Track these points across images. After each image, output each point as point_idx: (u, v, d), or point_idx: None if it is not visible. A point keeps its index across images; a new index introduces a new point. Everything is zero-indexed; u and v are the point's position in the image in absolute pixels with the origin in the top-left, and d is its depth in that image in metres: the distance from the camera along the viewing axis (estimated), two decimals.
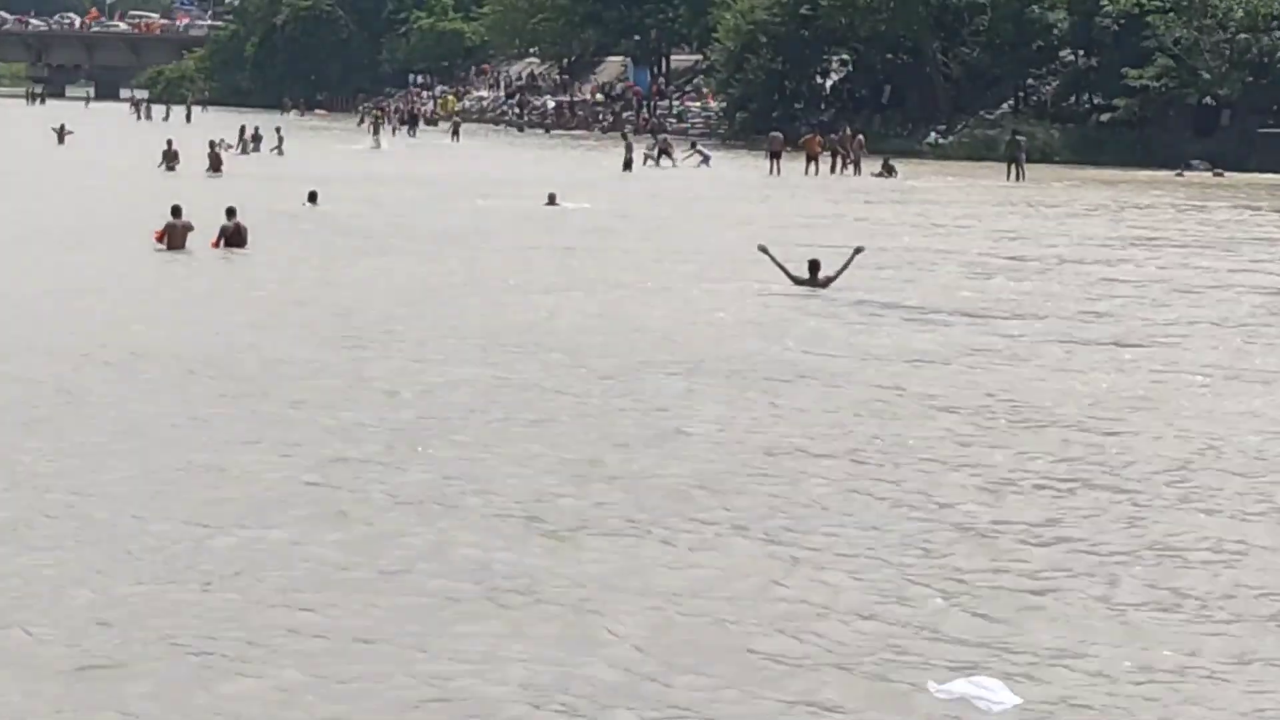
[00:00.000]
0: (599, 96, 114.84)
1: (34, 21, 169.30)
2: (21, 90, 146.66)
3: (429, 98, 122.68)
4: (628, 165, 65.33)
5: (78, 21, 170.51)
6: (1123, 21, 75.35)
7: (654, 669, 10.80)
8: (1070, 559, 13.64)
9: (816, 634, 11.39)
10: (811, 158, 68.18)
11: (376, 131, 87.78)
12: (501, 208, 47.81)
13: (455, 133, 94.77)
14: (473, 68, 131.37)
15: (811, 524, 14.16)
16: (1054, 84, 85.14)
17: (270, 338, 24.06)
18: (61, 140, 71.10)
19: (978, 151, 76.65)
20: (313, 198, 44.93)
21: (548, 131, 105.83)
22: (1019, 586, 12.64)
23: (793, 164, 67.83)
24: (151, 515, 14.50)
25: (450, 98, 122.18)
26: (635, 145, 70.32)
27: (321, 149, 76.18)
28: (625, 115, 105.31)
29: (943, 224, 45.51)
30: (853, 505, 14.85)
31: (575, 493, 15.35)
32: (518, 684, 10.27)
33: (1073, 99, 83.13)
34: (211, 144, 59.67)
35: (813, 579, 12.81)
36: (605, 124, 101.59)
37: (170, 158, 57.39)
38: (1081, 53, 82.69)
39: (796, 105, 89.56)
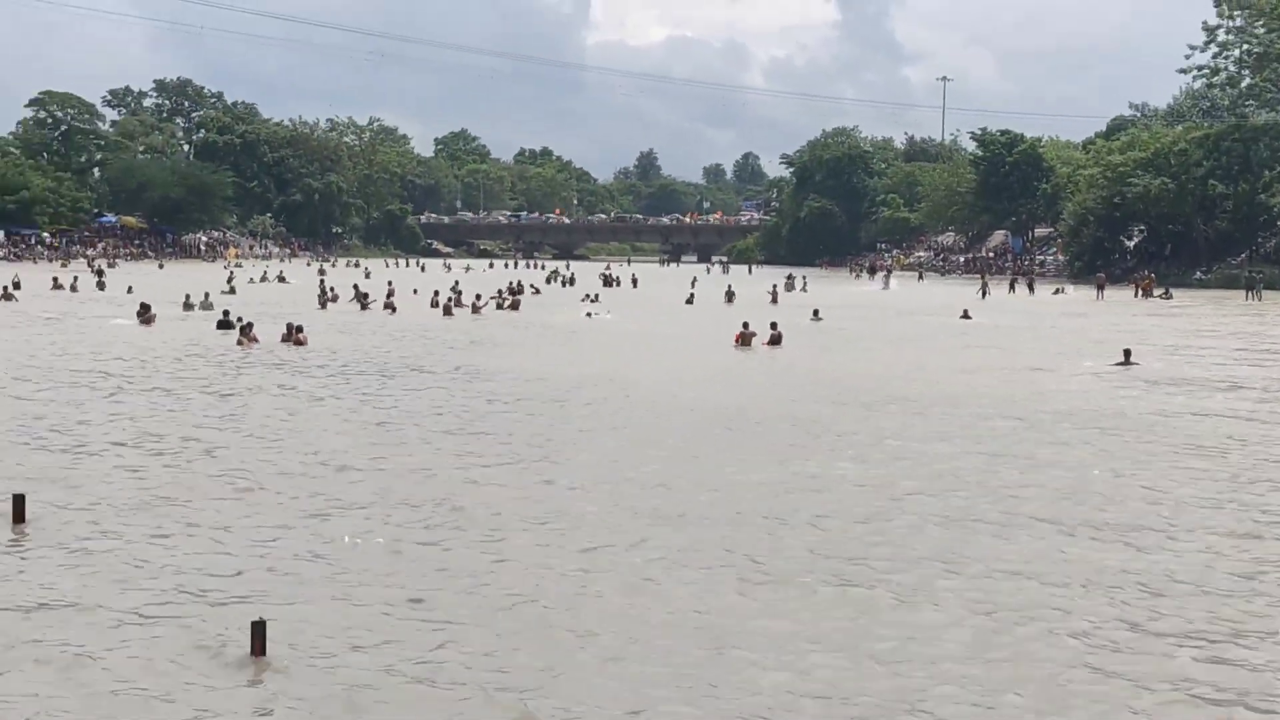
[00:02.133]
0: (990, 254, 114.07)
1: (663, 219, 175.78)
2: (655, 259, 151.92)
3: (888, 258, 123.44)
4: (983, 294, 65.67)
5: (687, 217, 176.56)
6: None
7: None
8: None
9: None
10: (1141, 288, 68.76)
11: (888, 278, 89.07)
12: (935, 321, 47.65)
13: (920, 277, 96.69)
14: (903, 242, 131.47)
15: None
16: (1274, 241, 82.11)
17: (799, 401, 24.01)
18: (692, 286, 72.47)
19: (1226, 284, 74.55)
20: (816, 314, 45.66)
21: (959, 276, 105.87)
22: None
23: (1111, 293, 67.34)
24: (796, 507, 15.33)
25: (900, 256, 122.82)
26: (989, 282, 72.27)
27: (830, 288, 76.81)
28: (1005, 266, 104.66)
29: (1204, 329, 44.37)
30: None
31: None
32: None
33: None
34: (774, 286, 61.74)
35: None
36: (992, 271, 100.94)
37: (730, 296, 59.20)
38: None
39: (1112, 257, 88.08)
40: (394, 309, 46.94)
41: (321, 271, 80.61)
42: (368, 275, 78.78)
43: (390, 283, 60.35)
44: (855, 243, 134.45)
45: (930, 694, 8.39)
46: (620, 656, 9.06)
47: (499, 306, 49.40)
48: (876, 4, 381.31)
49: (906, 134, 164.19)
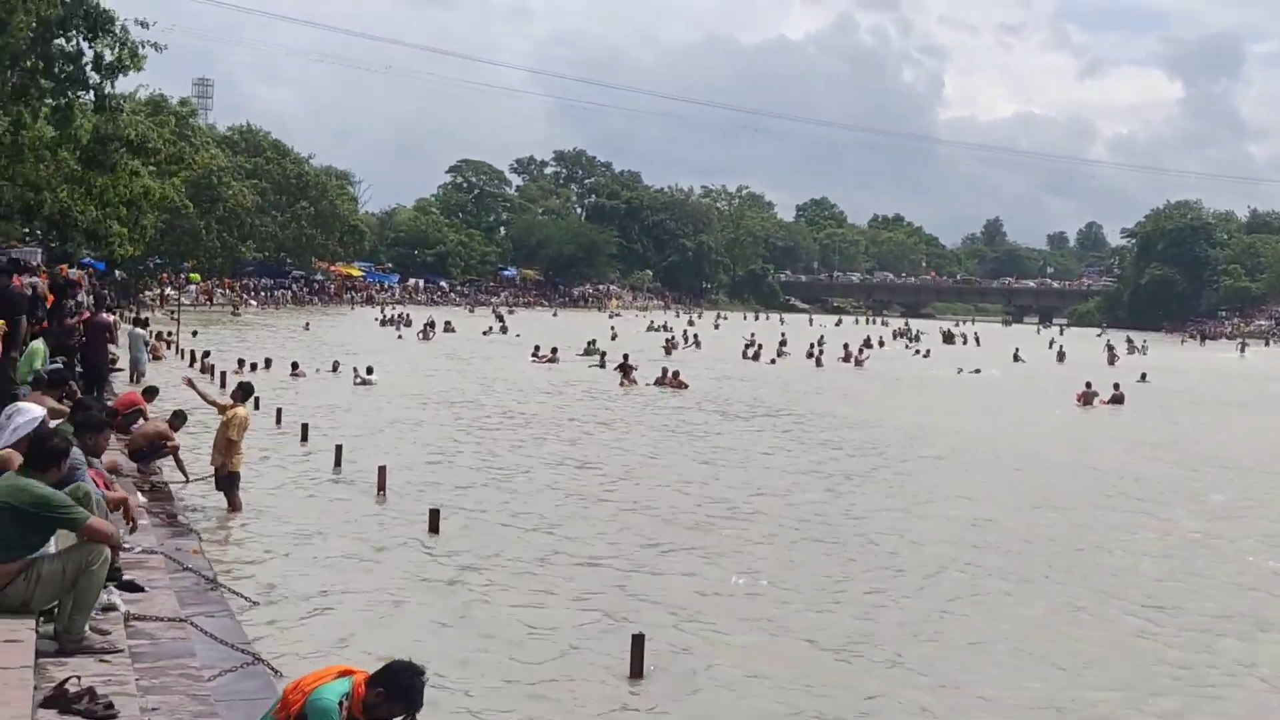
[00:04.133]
0: None
1: (1007, 280, 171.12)
2: (998, 319, 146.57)
3: (1229, 325, 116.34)
4: None
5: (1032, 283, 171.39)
6: None
7: None
8: None
9: None
10: None
11: (1244, 346, 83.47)
12: (1275, 388, 44.68)
13: (1267, 344, 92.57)
14: (1243, 310, 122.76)
15: None
16: None
17: (1130, 459, 23.64)
18: (1049, 346, 68.45)
19: None
20: (1143, 377, 43.93)
21: None
22: None
23: None
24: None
25: (1241, 324, 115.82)
26: None
27: (1172, 352, 72.28)
28: None
29: None
30: None
31: None
32: None
33: None
34: (1110, 348, 59.47)
35: None
36: None
37: (1060, 355, 57.35)
38: None
39: None
40: (770, 359, 47.86)
41: (690, 322, 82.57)
42: (716, 326, 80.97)
43: (753, 334, 60.97)
44: (1195, 309, 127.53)
45: None
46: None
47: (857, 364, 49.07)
48: (1222, 84, 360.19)
49: (1249, 207, 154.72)
